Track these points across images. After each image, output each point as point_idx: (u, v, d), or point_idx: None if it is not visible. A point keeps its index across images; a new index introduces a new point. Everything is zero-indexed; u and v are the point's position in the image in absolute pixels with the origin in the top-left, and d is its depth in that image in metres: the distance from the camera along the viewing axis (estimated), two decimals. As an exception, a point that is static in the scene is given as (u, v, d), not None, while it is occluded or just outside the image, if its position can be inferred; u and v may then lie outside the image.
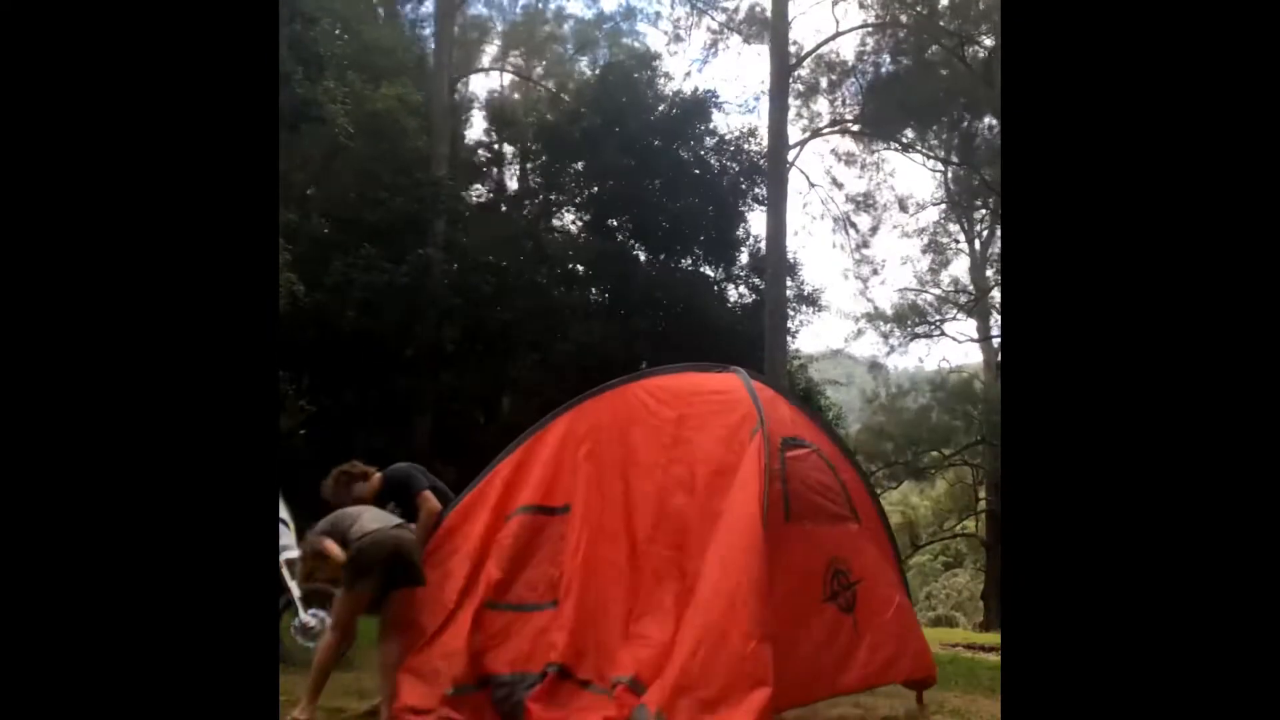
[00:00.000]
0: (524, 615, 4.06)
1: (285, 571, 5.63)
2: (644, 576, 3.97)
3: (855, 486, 4.59)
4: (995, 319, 22.64)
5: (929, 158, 22.20)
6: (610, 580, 4.00)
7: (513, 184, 19.66)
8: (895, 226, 29.20)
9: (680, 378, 4.54)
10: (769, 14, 17.15)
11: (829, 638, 3.94)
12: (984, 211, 22.80)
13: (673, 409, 4.26)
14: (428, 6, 19.19)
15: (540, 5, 23.16)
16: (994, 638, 10.50)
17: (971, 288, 24.46)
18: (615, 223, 16.70)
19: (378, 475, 4.70)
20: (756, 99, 24.13)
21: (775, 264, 15.34)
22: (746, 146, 17.03)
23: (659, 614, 3.86)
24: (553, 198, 17.80)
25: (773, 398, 4.41)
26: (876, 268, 26.76)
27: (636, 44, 21.50)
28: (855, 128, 20.68)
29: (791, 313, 16.66)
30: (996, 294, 21.44)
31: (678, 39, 22.04)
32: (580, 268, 16.45)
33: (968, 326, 24.92)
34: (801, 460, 4.14)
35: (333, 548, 4.09)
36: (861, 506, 4.56)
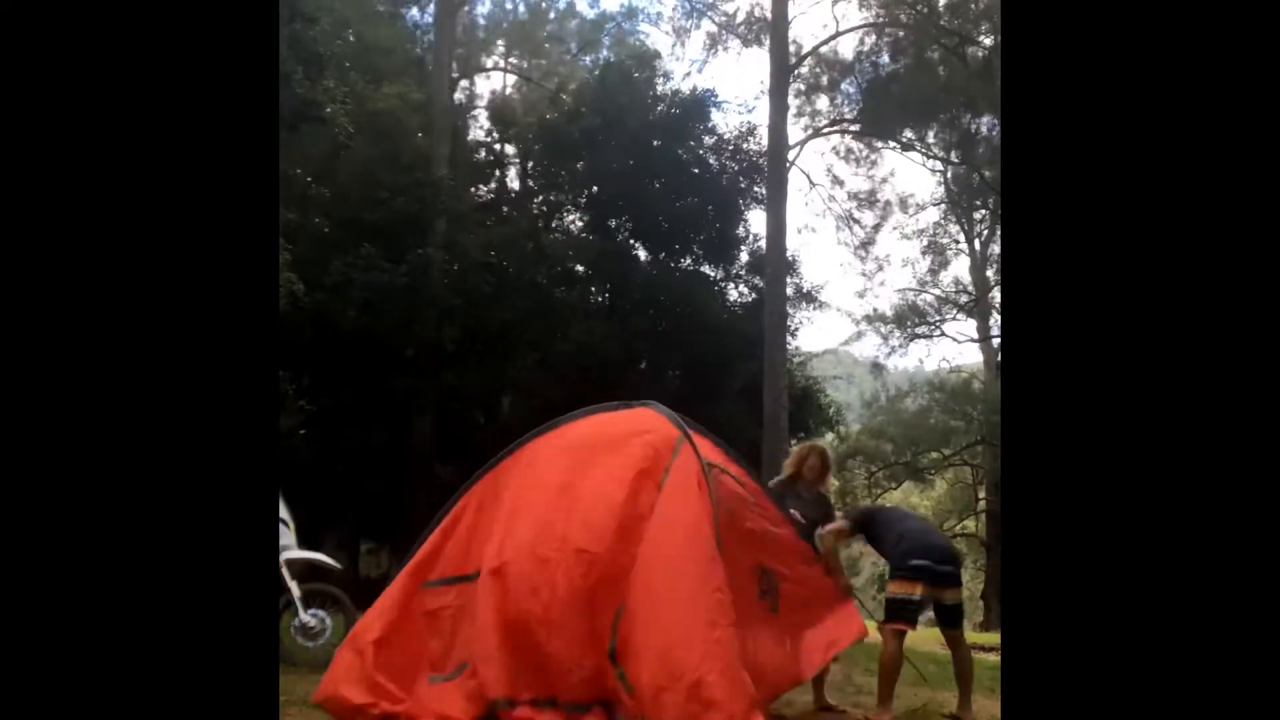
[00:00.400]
0: (460, 677, 3.88)
1: (285, 571, 5.64)
2: (597, 619, 3.78)
3: (760, 496, 4.70)
4: (995, 319, 22.65)
5: (929, 157, 22.21)
6: (548, 635, 3.78)
7: (513, 184, 19.66)
8: (895, 228, 29.24)
9: (588, 420, 4.48)
10: (768, 16, 17.14)
11: (772, 631, 4.12)
12: (984, 211, 22.81)
13: (574, 455, 4.20)
14: (429, 6, 19.17)
15: (544, 4, 23.14)
16: (994, 638, 10.49)
17: (972, 288, 24.48)
18: (615, 223, 16.68)
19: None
20: (756, 99, 24.09)
21: (775, 263, 15.32)
22: (746, 146, 17.03)
23: (583, 637, 3.73)
24: (553, 198, 17.78)
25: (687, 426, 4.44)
26: (880, 265, 26.74)
27: (638, 44, 21.50)
28: (855, 127, 20.67)
29: (791, 311, 16.65)
30: (996, 294, 21.45)
31: (679, 41, 22.05)
32: (580, 268, 16.43)
33: (968, 327, 24.96)
34: (718, 474, 4.22)
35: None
36: (768, 512, 4.67)
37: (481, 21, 22.85)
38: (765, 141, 16.51)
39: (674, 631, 3.51)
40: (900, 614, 4.54)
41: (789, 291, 16.34)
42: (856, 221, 23.27)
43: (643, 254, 16.72)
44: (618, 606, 3.70)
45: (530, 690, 3.70)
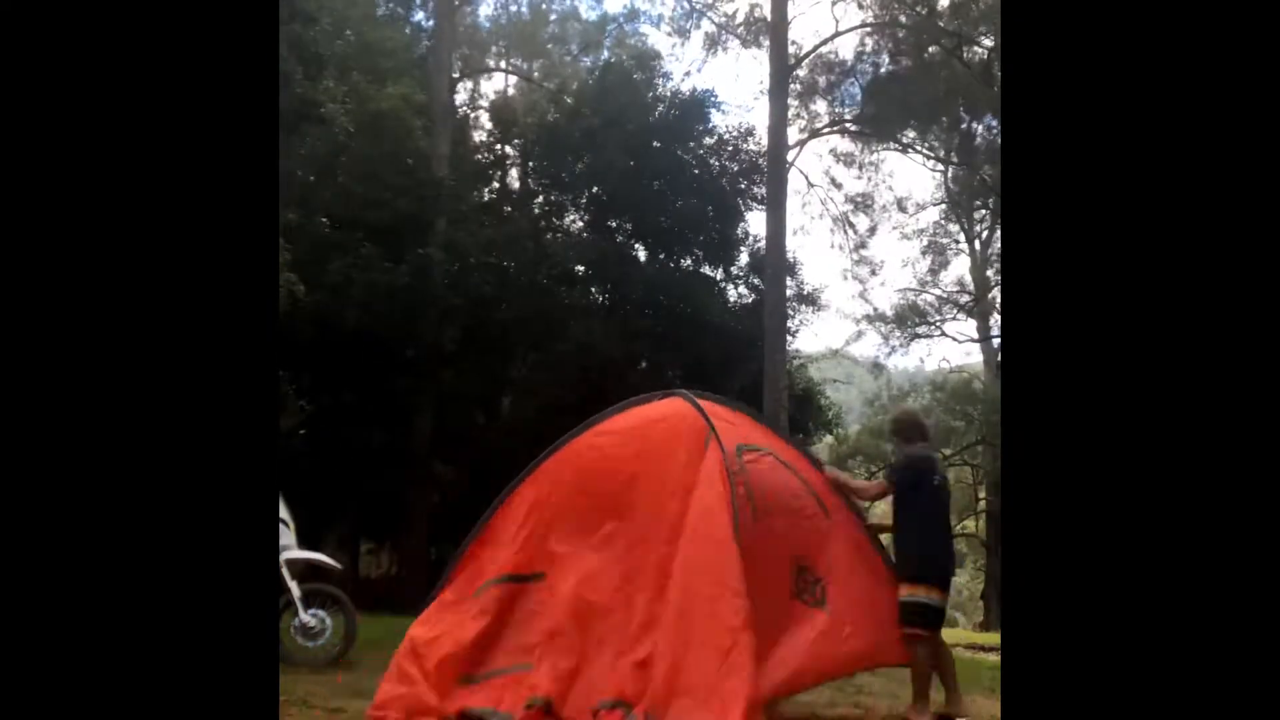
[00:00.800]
0: (501, 678, 4.02)
1: (285, 571, 5.64)
2: (630, 616, 3.95)
3: (821, 486, 4.68)
4: (995, 319, 22.63)
5: (929, 158, 22.20)
6: (593, 634, 3.99)
7: (514, 184, 19.66)
8: (895, 227, 29.15)
9: (627, 415, 4.62)
10: (768, 17, 17.13)
11: (800, 630, 4.07)
12: (984, 211, 22.80)
13: (628, 448, 4.35)
14: (431, 6, 19.15)
15: (544, 6, 23.15)
16: (994, 638, 10.50)
17: (972, 287, 24.47)
18: (615, 223, 16.69)
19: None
20: (755, 99, 24.07)
21: (775, 264, 15.31)
22: (746, 146, 17.04)
23: (642, 643, 3.86)
24: (553, 198, 17.78)
25: (723, 410, 4.59)
26: (876, 268, 26.66)
27: (638, 45, 21.49)
28: (855, 128, 20.65)
29: (791, 313, 16.65)
30: (997, 294, 21.44)
31: (680, 41, 22.01)
32: (580, 268, 16.42)
33: (968, 326, 24.94)
34: (758, 463, 4.28)
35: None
36: (830, 503, 4.64)
37: (483, 23, 22.88)
38: (765, 142, 16.51)
39: (693, 633, 3.61)
40: (921, 619, 4.38)
41: (789, 293, 16.34)
42: (852, 225, 23.27)
43: (643, 254, 16.72)
44: (650, 620, 3.83)
45: (568, 711, 3.82)
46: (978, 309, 23.74)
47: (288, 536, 5.76)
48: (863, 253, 23.85)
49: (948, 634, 5.17)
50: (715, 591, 3.65)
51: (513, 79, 22.59)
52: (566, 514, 4.28)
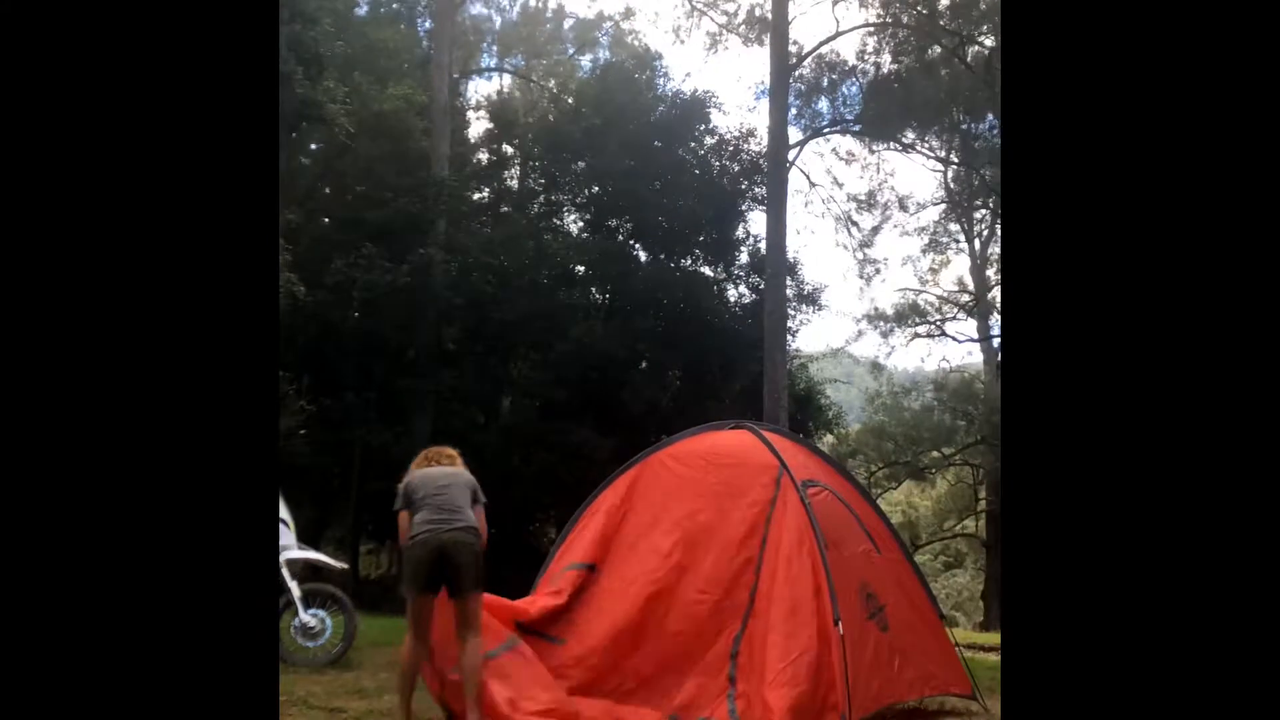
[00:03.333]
0: (532, 639, 4.44)
1: (285, 571, 5.65)
2: (679, 619, 4.36)
3: (871, 519, 5.05)
4: (995, 319, 22.62)
5: (929, 158, 22.19)
6: (626, 624, 4.40)
7: (513, 184, 19.66)
8: (896, 226, 29.14)
9: (697, 440, 5.08)
10: (769, 16, 17.11)
11: (874, 653, 4.32)
12: (984, 211, 22.79)
13: (696, 470, 4.80)
14: (432, 7, 19.14)
15: (541, 4, 23.15)
16: (994, 638, 10.50)
17: (972, 287, 24.46)
18: (615, 223, 16.68)
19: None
20: (756, 99, 24.09)
21: (775, 264, 15.30)
22: (746, 146, 17.03)
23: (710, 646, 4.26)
24: (553, 198, 17.78)
25: (788, 445, 4.96)
26: (878, 267, 26.59)
27: (638, 44, 21.49)
28: (856, 128, 20.63)
29: (791, 312, 16.64)
30: (997, 294, 21.42)
31: (679, 41, 21.98)
32: (580, 268, 16.42)
33: (968, 326, 24.93)
34: (819, 496, 4.62)
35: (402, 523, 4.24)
36: (879, 537, 4.99)
37: (482, 23, 22.87)
38: (765, 142, 16.50)
39: (782, 653, 3.97)
40: None
41: (789, 292, 16.33)
42: (855, 224, 23.23)
43: (643, 254, 16.72)
44: (735, 635, 4.23)
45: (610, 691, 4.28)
46: (978, 309, 23.73)
47: (288, 536, 5.76)
48: (866, 251, 23.83)
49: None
50: (800, 616, 4.04)
51: (512, 79, 22.58)
52: (634, 522, 4.75)
